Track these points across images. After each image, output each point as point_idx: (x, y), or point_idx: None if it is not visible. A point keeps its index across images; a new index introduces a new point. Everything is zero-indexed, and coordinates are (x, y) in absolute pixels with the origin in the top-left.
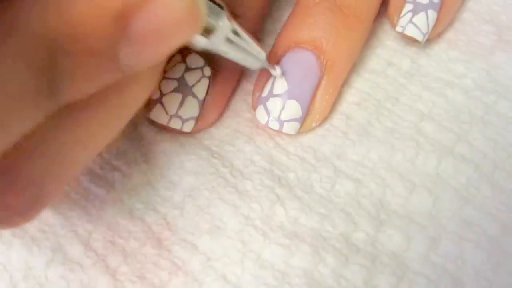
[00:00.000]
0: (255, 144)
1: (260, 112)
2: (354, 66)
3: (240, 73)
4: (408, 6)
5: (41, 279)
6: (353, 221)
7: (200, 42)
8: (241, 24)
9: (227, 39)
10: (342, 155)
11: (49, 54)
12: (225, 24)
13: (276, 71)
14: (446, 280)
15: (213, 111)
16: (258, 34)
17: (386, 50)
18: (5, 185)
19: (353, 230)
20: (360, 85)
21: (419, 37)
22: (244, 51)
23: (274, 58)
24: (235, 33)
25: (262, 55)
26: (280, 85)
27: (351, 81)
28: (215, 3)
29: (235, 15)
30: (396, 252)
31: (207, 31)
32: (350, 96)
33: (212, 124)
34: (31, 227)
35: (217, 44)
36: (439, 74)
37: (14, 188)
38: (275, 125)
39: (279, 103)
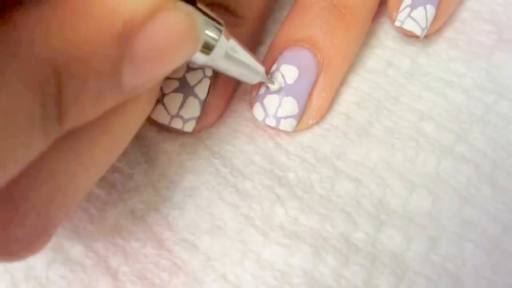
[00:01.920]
0: (255, 144)
1: (257, 109)
2: (354, 66)
3: None
4: (407, 1)
5: (42, 280)
6: (353, 221)
7: (200, 59)
8: (243, 25)
9: (226, 55)
10: (342, 155)
11: (55, 76)
12: (223, 41)
13: (275, 85)
14: (446, 280)
15: (214, 111)
16: (259, 35)
17: (386, 50)
18: (10, 216)
19: (353, 230)
20: (360, 85)
21: (418, 31)
22: (243, 66)
23: (271, 56)
24: (233, 49)
25: (261, 69)
26: (276, 81)
27: (350, 81)
28: (213, 19)
29: (237, 17)
30: (396, 252)
31: (207, 48)
32: (350, 96)
33: (213, 124)
34: None
35: (216, 60)
36: (439, 74)
37: (19, 218)
38: (271, 122)
39: (276, 100)
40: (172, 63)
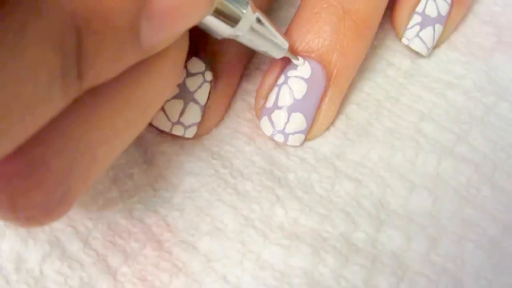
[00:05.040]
0: (255, 145)
1: (265, 123)
2: None
3: (241, 76)
4: (417, 18)
5: (35, 273)
6: (353, 221)
7: (226, 31)
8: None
9: (252, 28)
10: (342, 155)
11: (75, 32)
12: (249, 13)
13: (299, 60)
14: (446, 280)
15: (214, 116)
16: None
17: (386, 50)
18: (32, 181)
19: (353, 230)
20: (360, 85)
21: (424, 52)
22: (268, 40)
23: (277, 65)
24: (260, 22)
25: (285, 44)
26: (284, 96)
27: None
28: None
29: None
30: (396, 252)
31: (233, 20)
32: (350, 96)
33: (214, 128)
34: None
35: (242, 32)
36: (439, 75)
37: (41, 184)
38: (280, 138)
39: (284, 116)
40: (188, 21)
